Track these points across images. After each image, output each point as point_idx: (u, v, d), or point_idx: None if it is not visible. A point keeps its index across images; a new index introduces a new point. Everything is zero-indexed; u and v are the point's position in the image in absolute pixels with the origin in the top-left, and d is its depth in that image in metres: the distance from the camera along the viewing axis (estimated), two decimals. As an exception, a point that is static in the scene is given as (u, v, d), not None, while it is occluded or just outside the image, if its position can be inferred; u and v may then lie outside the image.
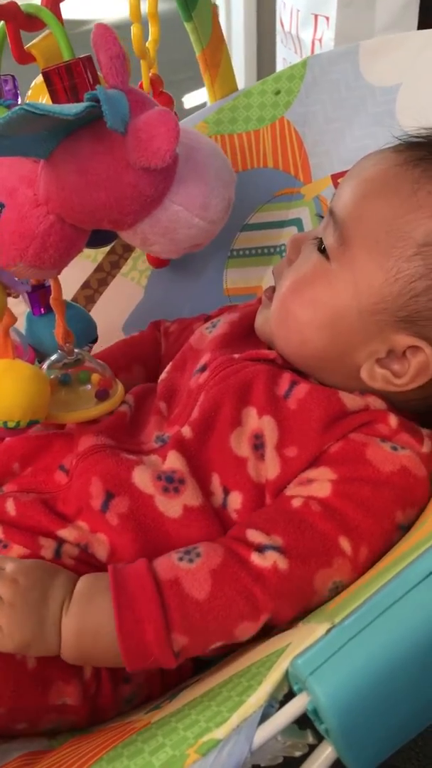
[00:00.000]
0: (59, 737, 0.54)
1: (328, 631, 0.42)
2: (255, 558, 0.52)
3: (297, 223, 0.86)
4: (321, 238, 0.62)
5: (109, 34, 0.47)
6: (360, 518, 0.54)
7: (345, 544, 0.54)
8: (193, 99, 1.97)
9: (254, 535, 0.54)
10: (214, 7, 0.80)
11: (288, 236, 0.86)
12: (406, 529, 0.55)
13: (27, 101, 0.58)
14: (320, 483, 0.56)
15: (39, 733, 0.56)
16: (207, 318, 0.77)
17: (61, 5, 0.55)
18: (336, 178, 0.83)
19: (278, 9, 1.62)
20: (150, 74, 0.71)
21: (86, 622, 0.52)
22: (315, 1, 1.41)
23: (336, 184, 0.82)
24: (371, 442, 0.57)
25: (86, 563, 0.59)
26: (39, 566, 0.54)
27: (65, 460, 0.63)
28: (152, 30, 0.66)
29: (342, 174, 0.81)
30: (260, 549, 0.53)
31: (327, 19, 1.39)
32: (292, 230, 0.86)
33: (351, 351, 0.61)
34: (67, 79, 0.49)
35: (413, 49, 0.79)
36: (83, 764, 0.45)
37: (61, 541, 0.59)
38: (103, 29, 0.47)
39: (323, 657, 0.40)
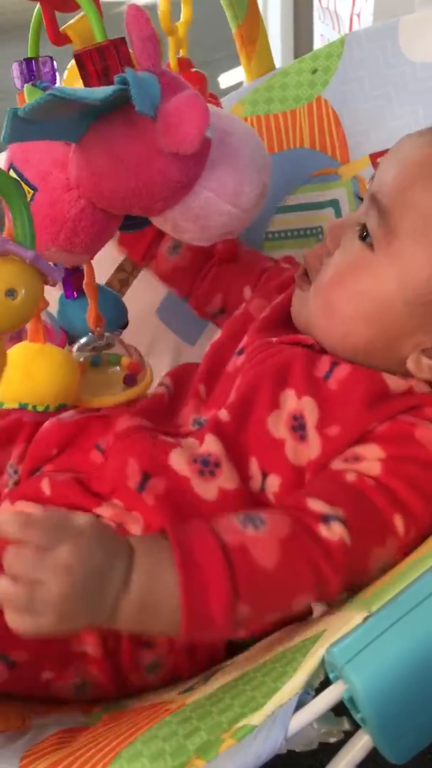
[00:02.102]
0: (94, 713, 0.55)
1: (365, 619, 0.42)
2: (323, 530, 0.51)
3: (334, 204, 0.85)
4: (363, 226, 0.60)
5: (141, 15, 0.46)
6: (412, 499, 0.54)
7: (399, 522, 0.53)
8: (230, 78, 1.96)
9: (317, 504, 0.53)
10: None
11: (324, 218, 0.85)
12: None
13: (63, 83, 0.58)
14: (369, 462, 0.56)
15: (68, 691, 0.55)
16: (265, 269, 0.76)
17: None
18: (375, 157, 0.81)
19: (315, -17, 1.59)
20: (179, 56, 0.70)
21: (151, 591, 0.48)
22: (353, -26, 1.35)
23: (375, 164, 0.81)
24: (420, 423, 0.57)
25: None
26: (100, 532, 0.49)
27: (101, 440, 0.63)
28: (184, 10, 0.65)
29: (381, 153, 0.80)
30: (326, 519, 0.52)
31: (366, -8, 1.34)
32: (329, 212, 0.85)
33: (396, 343, 0.60)
34: (99, 61, 0.48)
35: (455, 24, 0.78)
36: (118, 744, 0.45)
37: (96, 518, 0.59)
38: (136, 10, 0.46)
39: (360, 645, 0.40)
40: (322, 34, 1.75)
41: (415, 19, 0.80)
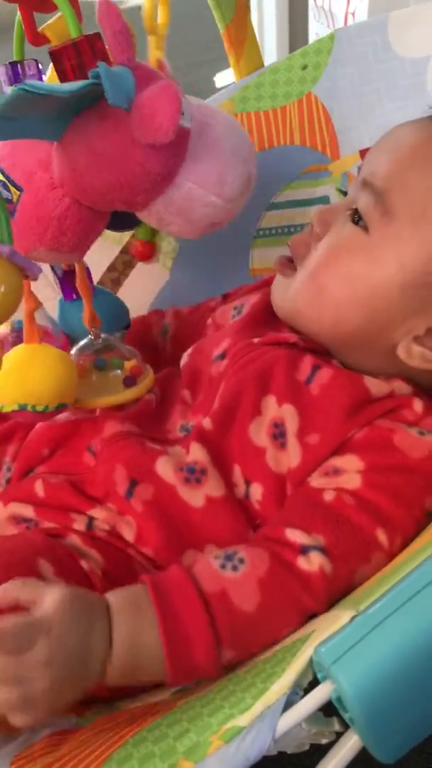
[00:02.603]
0: (87, 715, 0.54)
1: (353, 618, 0.42)
2: (301, 562, 0.51)
3: (324, 201, 0.84)
4: (355, 210, 0.59)
5: (113, 9, 0.46)
6: (393, 508, 0.53)
7: (382, 536, 0.53)
8: (225, 78, 1.96)
9: (295, 535, 0.52)
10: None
11: (316, 215, 0.85)
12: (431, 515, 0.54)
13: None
14: (349, 474, 0.55)
15: None
16: (225, 297, 0.76)
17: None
18: (365, 153, 0.80)
19: (310, -18, 1.59)
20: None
21: (135, 650, 0.49)
22: (347, -28, 1.35)
23: (365, 161, 0.80)
24: (398, 427, 0.56)
25: (117, 537, 0.59)
26: (69, 609, 0.48)
27: (92, 442, 0.63)
28: (162, 11, 0.64)
29: (371, 149, 0.80)
30: (304, 551, 0.52)
31: (360, -9, 1.34)
32: (320, 208, 0.84)
33: (388, 329, 0.59)
34: (74, 57, 0.48)
35: (444, 19, 0.77)
36: (109, 747, 0.45)
37: (91, 518, 0.59)
38: (107, 5, 0.46)
39: (347, 645, 0.40)
40: (317, 33, 1.74)
41: (404, 15, 0.79)
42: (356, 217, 0.59)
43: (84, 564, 0.56)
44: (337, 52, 0.82)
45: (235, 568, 0.51)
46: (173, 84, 0.48)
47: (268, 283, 0.68)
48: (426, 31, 0.78)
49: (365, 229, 0.58)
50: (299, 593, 0.50)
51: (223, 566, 0.51)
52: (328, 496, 0.54)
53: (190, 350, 0.69)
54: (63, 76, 0.48)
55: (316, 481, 0.56)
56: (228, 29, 0.82)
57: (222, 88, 0.89)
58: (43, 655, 0.45)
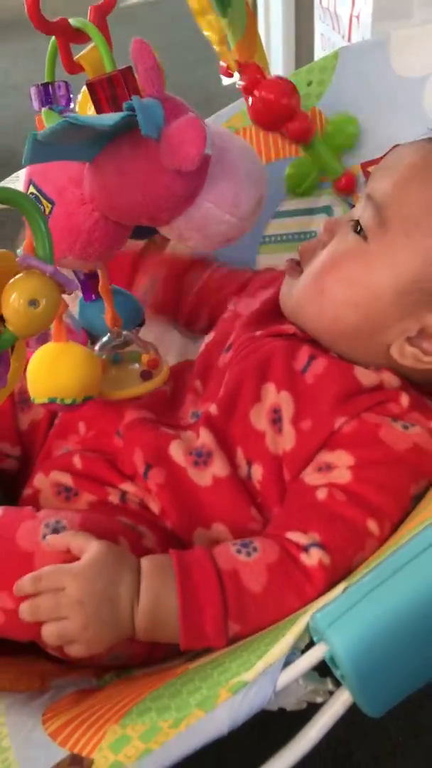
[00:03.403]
0: (105, 677, 0.60)
1: (345, 589, 0.48)
2: (304, 558, 0.57)
3: (327, 210, 0.89)
4: (357, 221, 0.65)
5: (145, 48, 0.51)
6: (381, 499, 0.59)
7: (372, 525, 0.58)
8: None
9: (295, 536, 0.58)
10: (247, 5, 0.84)
11: (318, 223, 0.89)
12: (417, 498, 0.60)
13: (77, 106, 0.63)
14: (340, 470, 0.60)
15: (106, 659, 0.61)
16: (255, 273, 0.82)
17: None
18: (365, 166, 0.86)
19: (316, -16, 1.61)
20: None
21: (158, 609, 0.56)
22: (352, -24, 1.36)
23: (366, 173, 0.85)
24: (384, 422, 0.61)
25: (148, 510, 0.65)
26: (101, 559, 0.56)
27: (120, 426, 0.69)
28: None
29: (371, 162, 0.85)
30: (305, 549, 0.57)
31: (365, -6, 1.35)
32: (322, 217, 0.89)
33: (383, 329, 0.64)
34: (108, 89, 0.53)
35: (441, 40, 0.82)
36: (130, 701, 0.51)
37: (124, 492, 0.66)
38: (140, 44, 0.51)
39: (340, 612, 0.46)
40: (323, 34, 1.76)
41: (404, 36, 0.84)
42: (358, 227, 0.65)
43: (145, 542, 0.63)
44: (340, 69, 0.87)
45: (248, 554, 0.57)
46: (198, 118, 0.53)
47: (279, 278, 0.74)
48: (424, 52, 0.83)
49: (365, 238, 0.64)
50: (302, 582, 0.56)
51: (239, 551, 0.58)
52: (321, 494, 0.60)
53: (203, 345, 0.75)
54: (98, 106, 0.53)
55: (309, 477, 0.62)
56: (240, 43, 0.87)
57: (228, 84, 0.93)
58: (75, 594, 0.54)
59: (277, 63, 2.13)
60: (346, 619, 0.45)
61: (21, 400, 0.74)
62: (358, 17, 1.49)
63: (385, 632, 0.45)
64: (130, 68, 0.54)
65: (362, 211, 0.65)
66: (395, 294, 0.62)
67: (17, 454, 0.74)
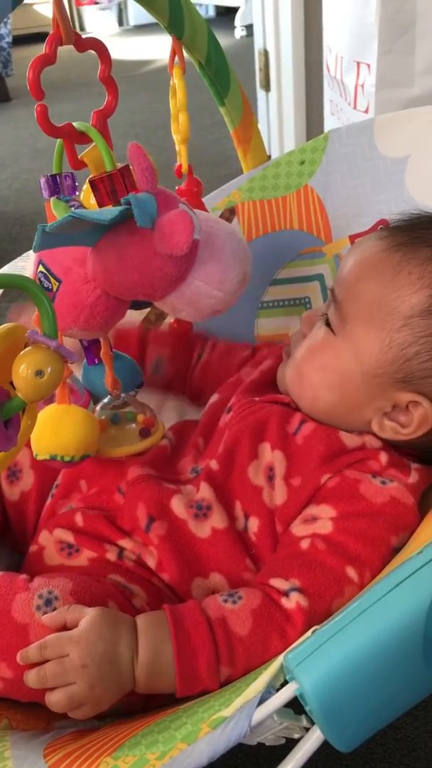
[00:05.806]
0: (107, 719, 0.65)
1: (314, 631, 0.52)
2: (284, 602, 0.61)
3: (319, 278, 0.96)
4: (325, 315, 0.73)
5: (140, 151, 0.59)
6: (360, 548, 0.63)
7: (352, 572, 0.62)
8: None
9: (278, 583, 0.62)
10: (243, 95, 0.92)
11: (312, 289, 0.96)
12: (398, 551, 0.64)
13: (81, 194, 0.71)
14: (323, 521, 0.65)
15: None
16: (254, 349, 0.88)
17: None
18: (353, 238, 0.92)
19: (324, 54, 1.70)
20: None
21: (156, 660, 0.59)
22: (357, 48, 1.46)
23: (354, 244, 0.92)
24: (363, 478, 0.67)
25: (143, 566, 0.69)
26: (99, 621, 0.59)
27: (121, 484, 0.74)
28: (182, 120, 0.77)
29: (359, 235, 0.91)
30: (286, 594, 0.62)
31: (368, 66, 1.45)
32: (315, 284, 0.96)
33: (359, 407, 0.70)
34: (108, 185, 0.61)
35: (421, 123, 0.89)
36: (123, 737, 0.55)
37: (121, 549, 0.70)
38: (136, 148, 0.59)
39: (308, 651, 0.50)
40: (331, 100, 1.84)
41: (388, 119, 0.91)
42: (327, 321, 0.72)
43: (135, 602, 0.67)
44: (330, 150, 0.94)
45: (234, 602, 0.62)
46: (187, 210, 0.60)
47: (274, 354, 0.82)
48: (405, 134, 0.90)
49: (333, 331, 0.71)
50: (283, 623, 0.60)
51: (225, 600, 0.62)
52: (305, 544, 0.64)
53: (208, 405, 0.82)
54: (100, 199, 0.61)
55: (296, 528, 0.67)
56: (236, 130, 0.94)
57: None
58: (78, 660, 0.58)
59: (289, 128, 2.24)
60: (313, 659, 0.49)
61: (10, 473, 0.79)
62: (362, 86, 1.55)
63: (349, 671, 0.48)
64: (127, 166, 0.62)
65: (328, 307, 0.73)
66: (363, 377, 0.69)
67: None
